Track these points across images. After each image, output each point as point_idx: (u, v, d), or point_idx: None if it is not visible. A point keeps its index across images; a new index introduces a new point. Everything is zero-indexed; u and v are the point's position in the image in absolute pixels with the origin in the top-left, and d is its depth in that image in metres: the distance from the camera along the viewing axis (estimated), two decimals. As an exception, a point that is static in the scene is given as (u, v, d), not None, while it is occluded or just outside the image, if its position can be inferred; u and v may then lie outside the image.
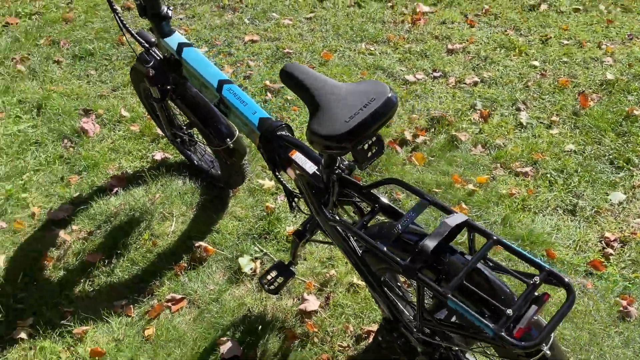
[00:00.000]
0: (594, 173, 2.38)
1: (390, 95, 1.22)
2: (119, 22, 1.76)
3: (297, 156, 1.53)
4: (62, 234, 2.13)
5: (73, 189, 2.32)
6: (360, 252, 1.51)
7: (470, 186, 2.32)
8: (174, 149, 2.46)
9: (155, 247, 2.10)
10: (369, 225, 1.50)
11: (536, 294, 1.13)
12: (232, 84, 1.68)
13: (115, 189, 2.31)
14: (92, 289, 1.98)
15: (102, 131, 2.61)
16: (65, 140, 2.55)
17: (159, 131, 2.52)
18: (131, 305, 1.92)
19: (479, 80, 2.92)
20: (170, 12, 1.72)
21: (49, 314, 1.90)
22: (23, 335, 1.83)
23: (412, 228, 1.35)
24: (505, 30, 3.29)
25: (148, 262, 2.06)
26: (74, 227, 2.17)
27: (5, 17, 3.34)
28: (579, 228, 2.17)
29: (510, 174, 2.40)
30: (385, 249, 1.29)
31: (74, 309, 1.91)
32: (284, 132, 1.59)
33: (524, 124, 2.65)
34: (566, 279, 1.11)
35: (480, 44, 3.19)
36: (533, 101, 2.77)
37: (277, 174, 1.65)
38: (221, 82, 1.67)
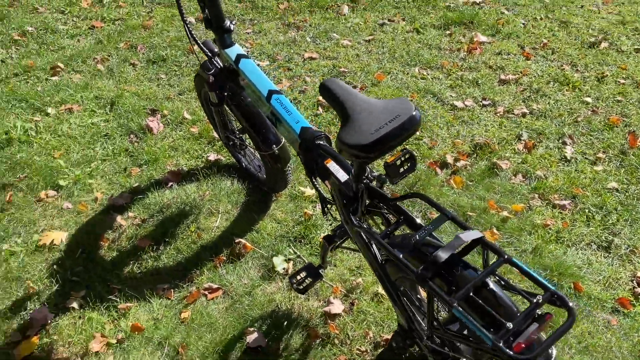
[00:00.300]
0: (634, 213, 2.36)
1: (414, 113, 1.33)
2: (188, 32, 1.96)
3: (332, 165, 1.65)
4: (119, 219, 2.35)
5: (133, 180, 2.54)
6: (382, 260, 1.61)
7: (505, 213, 2.37)
8: (226, 151, 2.65)
9: (199, 239, 2.28)
10: (392, 235, 1.60)
11: (540, 312, 1.19)
12: (280, 94, 1.83)
13: (170, 184, 2.52)
14: (139, 270, 2.17)
15: (165, 130, 2.83)
16: (132, 135, 2.79)
17: (215, 134, 2.71)
18: (172, 290, 2.09)
19: (527, 111, 2.95)
20: (232, 26, 1.90)
21: (100, 288, 2.10)
22: (75, 305, 2.03)
23: (430, 240, 1.44)
24: (562, 65, 3.30)
25: (191, 252, 2.23)
26: (130, 214, 2.38)
27: (92, 20, 3.68)
28: (611, 265, 2.16)
29: (547, 205, 2.43)
30: (401, 256, 1.39)
31: (121, 286, 2.10)
32: (322, 142, 1.72)
33: (569, 158, 2.66)
34: (570, 303, 1.17)
35: (534, 76, 3.22)
36: (580, 136, 2.78)
37: (313, 180, 1.78)
38: (270, 92, 1.82)
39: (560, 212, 2.39)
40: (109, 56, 3.36)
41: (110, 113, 2.93)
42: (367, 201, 1.64)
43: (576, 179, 2.54)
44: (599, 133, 2.79)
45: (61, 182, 2.47)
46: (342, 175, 1.64)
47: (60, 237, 2.23)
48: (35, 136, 2.71)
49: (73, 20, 3.66)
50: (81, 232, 2.30)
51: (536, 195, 2.47)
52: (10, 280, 2.10)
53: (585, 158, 2.67)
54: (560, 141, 2.76)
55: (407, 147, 2.72)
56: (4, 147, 2.65)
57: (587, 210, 2.39)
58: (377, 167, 2.60)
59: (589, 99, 3.02)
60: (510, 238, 2.27)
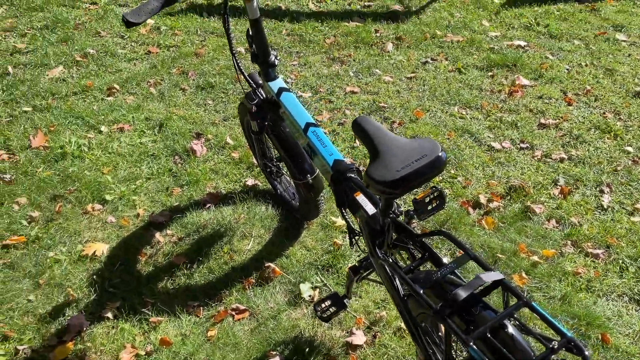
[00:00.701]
0: (671, 267, 2.31)
1: (440, 154, 1.38)
2: (236, 64, 2.08)
3: (361, 197, 1.71)
4: (157, 235, 2.46)
5: (174, 199, 2.66)
6: (404, 295, 1.64)
7: (536, 257, 2.35)
8: (263, 177, 2.75)
9: (231, 261, 2.36)
10: (415, 270, 1.64)
11: (555, 358, 1.20)
12: (317, 127, 1.91)
13: (208, 205, 2.62)
14: (172, 286, 2.26)
15: (208, 153, 2.96)
16: (176, 157, 2.93)
17: (254, 160, 2.82)
18: (201, 307, 2.17)
19: (566, 157, 2.94)
20: (276, 61, 2.01)
21: (134, 301, 2.20)
22: (109, 315, 2.14)
23: (452, 278, 1.47)
24: (604, 113, 3.28)
25: (223, 272, 2.31)
26: (169, 231, 2.50)
27: (149, 46, 3.90)
28: (643, 319, 2.12)
29: (580, 253, 2.40)
30: (422, 292, 1.42)
31: (154, 300, 2.20)
32: (353, 175, 1.78)
33: (605, 206, 2.63)
34: (586, 352, 1.17)
35: (575, 122, 3.21)
36: (619, 186, 2.75)
37: (342, 211, 1.84)
38: (308, 125, 1.91)
39: (593, 261, 2.35)
40: (162, 80, 3.55)
41: (158, 134, 3.08)
42: (394, 235, 1.69)
43: (611, 228, 2.50)
44: (638, 183, 2.75)
45: (107, 197, 2.62)
46: (370, 209, 1.69)
47: (102, 249, 2.36)
48: (87, 152, 2.89)
49: (131, 45, 3.89)
50: (121, 246, 2.42)
51: (569, 242, 2.44)
52: (52, 286, 2.22)
53: (623, 208, 2.63)
54: (597, 189, 2.74)
55: (439, 185, 2.76)
56: (58, 160, 2.83)
57: (620, 261, 2.35)
58: (407, 202, 2.64)
59: (630, 149, 2.98)
60: (540, 283, 2.25)
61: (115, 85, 3.42)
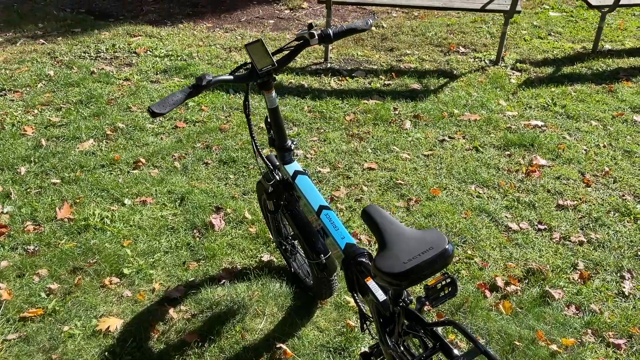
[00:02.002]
0: (698, 361, 2.21)
1: (447, 247, 1.40)
2: (254, 147, 2.16)
3: (371, 283, 1.72)
4: (171, 311, 2.48)
5: (190, 274, 2.69)
6: (413, 386, 1.61)
7: (555, 347, 2.28)
8: (279, 253, 2.77)
9: (242, 340, 2.34)
10: (426, 361, 1.61)
11: None
12: (330, 210, 1.95)
13: (223, 281, 2.64)
14: (182, 365, 2.25)
15: (226, 227, 3.02)
16: (195, 231, 2.99)
17: (271, 236, 2.86)
18: (210, 388, 2.15)
19: (585, 240, 2.90)
20: (292, 146, 2.09)
21: (144, 379, 2.19)
22: (119, 392, 2.13)
23: (461, 373, 1.45)
24: (623, 195, 3.26)
25: (233, 352, 2.30)
26: (182, 307, 2.51)
27: (176, 121, 4.07)
28: (671, 418, 2.01)
29: (601, 342, 2.32)
30: (430, 386, 1.40)
31: (163, 379, 2.18)
32: (364, 259, 1.80)
33: (627, 293, 2.56)
34: None
35: (594, 204, 3.19)
36: (641, 271, 2.69)
37: (354, 295, 1.84)
38: (321, 208, 1.95)
39: (615, 352, 2.27)
40: (186, 154, 3.68)
41: (179, 207, 3.16)
42: (406, 322, 1.67)
43: (633, 317, 2.42)
44: (661, 269, 2.69)
45: (125, 270, 2.66)
46: (380, 295, 1.70)
47: (115, 324, 2.38)
48: (109, 224, 2.97)
49: (160, 120, 4.06)
50: (135, 321, 2.44)
51: (589, 331, 2.37)
52: (64, 361, 2.23)
53: (645, 295, 2.56)
54: (618, 275, 2.68)
55: (456, 265, 2.73)
56: (81, 232, 2.91)
57: (644, 353, 2.26)
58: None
59: (651, 233, 2.94)
60: (559, 374, 2.17)
61: (142, 159, 3.56)
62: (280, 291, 2.59)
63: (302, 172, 2.09)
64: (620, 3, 4.87)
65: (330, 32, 1.92)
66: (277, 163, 2.21)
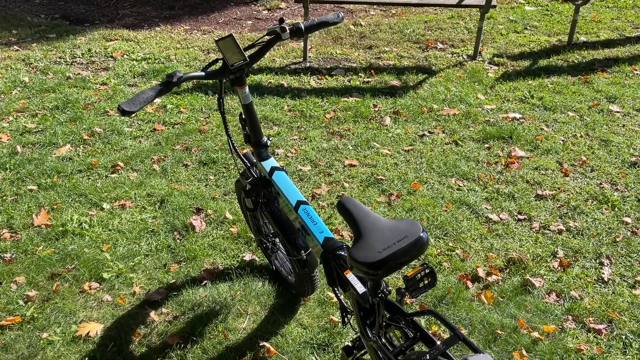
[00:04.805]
0: (677, 343, 2.24)
1: (421, 235, 1.40)
2: (231, 145, 2.15)
3: (350, 276, 1.71)
4: (152, 314, 2.45)
5: (171, 276, 2.67)
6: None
7: (536, 334, 2.30)
8: (261, 252, 2.76)
9: (225, 340, 2.32)
10: (408, 351, 1.61)
11: None
12: (307, 205, 1.95)
13: (205, 282, 2.62)
14: (165, 367, 2.22)
15: (207, 228, 2.99)
16: (175, 233, 2.96)
17: (252, 235, 2.84)
18: (193, 390, 2.12)
19: (564, 228, 2.93)
20: (268, 142, 2.08)
21: (125, 383, 2.16)
22: (100, 398, 2.09)
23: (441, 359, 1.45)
24: (601, 184, 3.30)
25: (216, 352, 2.27)
26: (164, 309, 2.48)
27: (155, 124, 4.03)
28: (651, 400, 2.03)
29: (582, 328, 2.34)
30: (410, 376, 1.40)
31: (146, 382, 2.16)
32: (343, 252, 1.79)
33: (606, 279, 2.59)
34: None
35: (572, 193, 3.23)
36: (619, 257, 2.72)
37: (334, 289, 1.84)
38: (299, 203, 1.95)
39: (596, 337, 2.29)
40: (165, 157, 3.65)
41: (159, 210, 3.13)
42: (386, 314, 1.67)
43: (613, 302, 2.45)
44: (638, 255, 2.72)
45: (105, 275, 2.63)
46: (360, 287, 1.69)
47: (95, 329, 2.34)
48: (88, 229, 2.93)
49: (138, 123, 4.03)
50: (116, 325, 2.40)
51: (570, 317, 2.39)
52: (44, 368, 2.20)
53: (624, 280, 2.59)
54: (597, 261, 2.71)
55: (437, 258, 2.74)
56: (59, 238, 2.87)
57: (624, 337, 2.28)
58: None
59: (628, 219, 2.97)
60: (541, 361, 2.19)
61: (120, 163, 3.52)
62: (263, 290, 2.57)
63: (279, 168, 2.08)
64: (593, -5, 4.94)
65: (302, 25, 1.91)
66: (254, 160, 2.20)
